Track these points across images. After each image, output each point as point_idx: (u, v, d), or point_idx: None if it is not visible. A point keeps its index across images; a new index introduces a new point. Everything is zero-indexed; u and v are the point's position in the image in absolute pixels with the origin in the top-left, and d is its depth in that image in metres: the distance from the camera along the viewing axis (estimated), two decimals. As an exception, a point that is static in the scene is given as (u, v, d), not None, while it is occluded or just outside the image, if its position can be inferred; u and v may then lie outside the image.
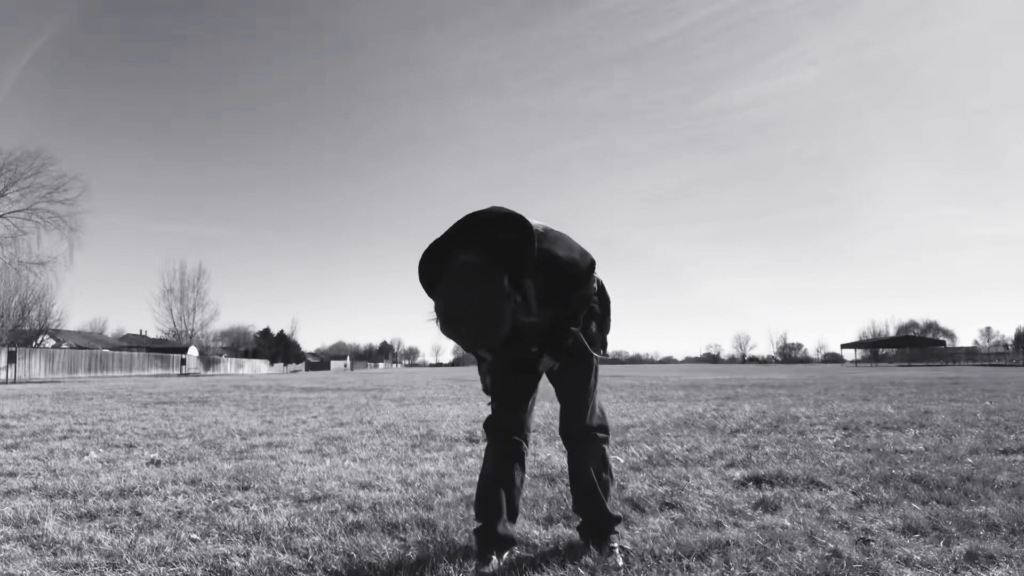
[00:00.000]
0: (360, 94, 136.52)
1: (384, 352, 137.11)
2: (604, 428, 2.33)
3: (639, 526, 2.61)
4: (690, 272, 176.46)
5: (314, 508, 2.94)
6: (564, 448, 2.37)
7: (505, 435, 2.31)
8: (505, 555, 2.22)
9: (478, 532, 2.26)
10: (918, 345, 71.44)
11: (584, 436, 2.28)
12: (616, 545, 2.23)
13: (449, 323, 1.87)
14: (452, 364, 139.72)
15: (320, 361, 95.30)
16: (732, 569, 2.08)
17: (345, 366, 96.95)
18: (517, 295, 1.98)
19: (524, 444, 2.34)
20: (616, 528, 2.28)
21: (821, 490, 3.21)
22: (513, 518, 2.31)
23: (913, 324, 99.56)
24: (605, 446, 2.32)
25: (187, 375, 42.97)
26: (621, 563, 2.12)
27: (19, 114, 73.43)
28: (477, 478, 2.43)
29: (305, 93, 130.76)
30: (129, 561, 2.23)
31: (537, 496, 3.05)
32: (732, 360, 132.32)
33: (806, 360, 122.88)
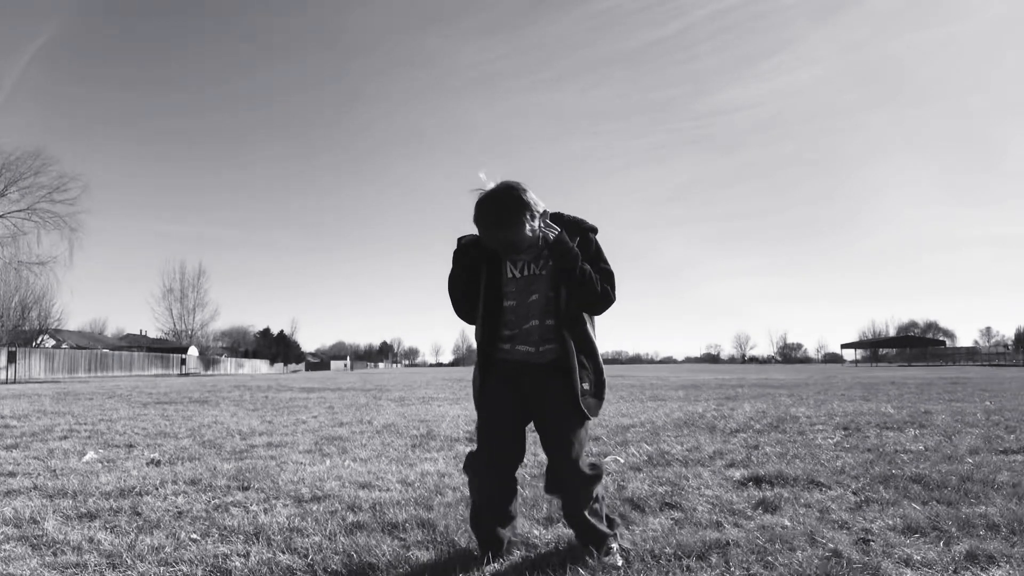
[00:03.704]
0: (360, 94, 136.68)
1: (384, 352, 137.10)
2: (595, 479, 2.25)
3: (639, 526, 2.61)
4: (690, 272, 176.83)
5: (314, 508, 2.94)
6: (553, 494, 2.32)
7: (493, 473, 2.26)
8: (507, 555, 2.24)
9: (480, 543, 2.27)
10: (918, 345, 71.47)
11: (575, 488, 2.23)
12: (615, 546, 2.23)
13: (481, 207, 2.16)
14: (452, 364, 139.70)
15: (320, 361, 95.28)
16: (732, 569, 2.08)
17: (345, 366, 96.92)
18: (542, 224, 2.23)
19: (515, 479, 2.33)
20: (613, 531, 2.29)
21: (821, 490, 3.21)
22: (513, 529, 2.33)
23: (913, 324, 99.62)
24: (596, 485, 2.26)
25: (187, 375, 42.95)
26: (620, 563, 2.12)
27: (19, 114, 73.50)
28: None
29: (305, 93, 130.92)
30: (129, 561, 2.23)
31: (537, 496, 3.04)
32: (732, 360, 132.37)
33: (806, 360, 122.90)
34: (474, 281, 2.33)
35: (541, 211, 2.22)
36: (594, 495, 2.26)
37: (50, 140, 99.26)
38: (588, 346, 2.27)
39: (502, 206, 2.15)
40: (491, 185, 2.21)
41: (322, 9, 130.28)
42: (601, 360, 2.32)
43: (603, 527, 2.25)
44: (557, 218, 2.33)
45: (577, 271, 2.19)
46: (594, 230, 2.34)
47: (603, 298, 2.24)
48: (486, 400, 2.31)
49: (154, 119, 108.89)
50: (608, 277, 2.28)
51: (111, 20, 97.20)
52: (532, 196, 2.20)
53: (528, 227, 2.17)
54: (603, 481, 2.38)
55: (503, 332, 2.31)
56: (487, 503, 2.28)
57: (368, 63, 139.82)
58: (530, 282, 2.29)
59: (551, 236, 2.21)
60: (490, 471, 2.26)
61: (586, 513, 2.22)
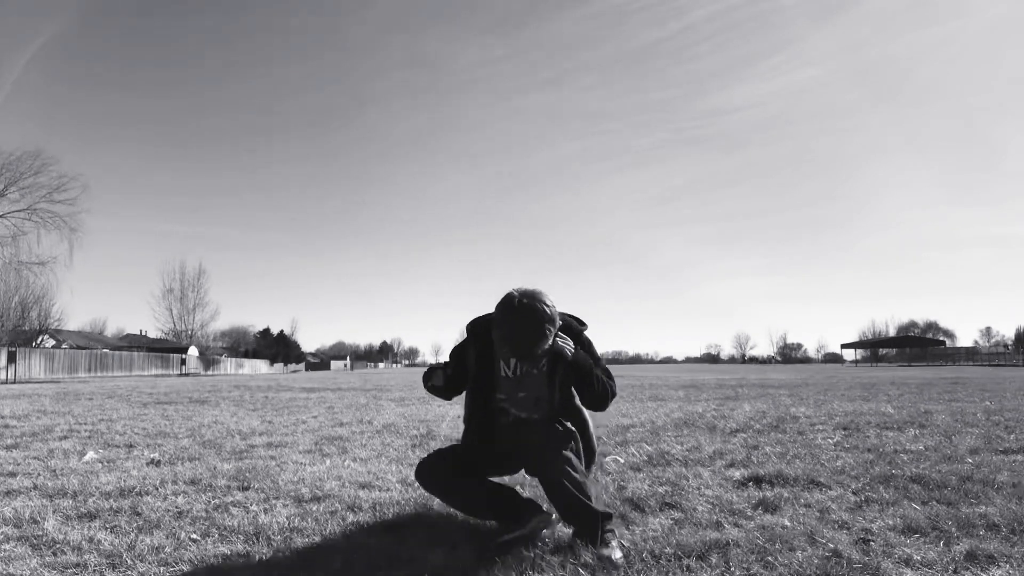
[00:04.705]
0: (361, 95, 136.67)
1: (384, 352, 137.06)
2: (568, 435, 2.44)
3: (639, 526, 2.61)
4: (690, 272, 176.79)
5: (314, 508, 2.94)
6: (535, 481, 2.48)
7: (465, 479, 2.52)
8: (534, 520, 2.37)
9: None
10: (918, 345, 71.45)
11: (551, 448, 2.38)
12: (615, 541, 2.23)
13: (513, 326, 2.30)
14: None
15: (320, 361, 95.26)
16: (732, 569, 2.08)
17: (345, 366, 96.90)
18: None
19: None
20: (610, 524, 2.29)
21: (821, 490, 3.21)
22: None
23: (913, 324, 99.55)
24: (569, 453, 2.36)
25: (187, 375, 42.94)
26: (620, 554, 2.12)
27: (19, 114, 73.37)
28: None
29: (305, 95, 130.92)
30: (129, 561, 2.23)
31: (536, 496, 3.04)
32: (732, 360, 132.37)
33: (806, 360, 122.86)
34: (455, 384, 2.61)
35: (557, 325, 2.38)
36: (570, 460, 2.33)
37: (50, 140, 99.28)
38: (579, 421, 2.58)
39: (534, 328, 2.30)
40: (516, 295, 2.35)
41: (322, 10, 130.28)
42: (594, 435, 2.62)
43: (594, 502, 2.28)
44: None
45: (594, 381, 2.46)
46: (584, 326, 2.57)
47: (612, 397, 2.54)
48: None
49: (154, 119, 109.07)
50: (608, 374, 2.56)
51: (111, 20, 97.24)
52: (554, 310, 2.36)
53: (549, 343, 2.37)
54: (581, 450, 2.49)
55: (495, 415, 2.57)
56: (473, 504, 2.57)
57: (368, 64, 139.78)
58: (521, 379, 2.51)
59: (568, 353, 2.42)
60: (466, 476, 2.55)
61: (566, 481, 2.26)
